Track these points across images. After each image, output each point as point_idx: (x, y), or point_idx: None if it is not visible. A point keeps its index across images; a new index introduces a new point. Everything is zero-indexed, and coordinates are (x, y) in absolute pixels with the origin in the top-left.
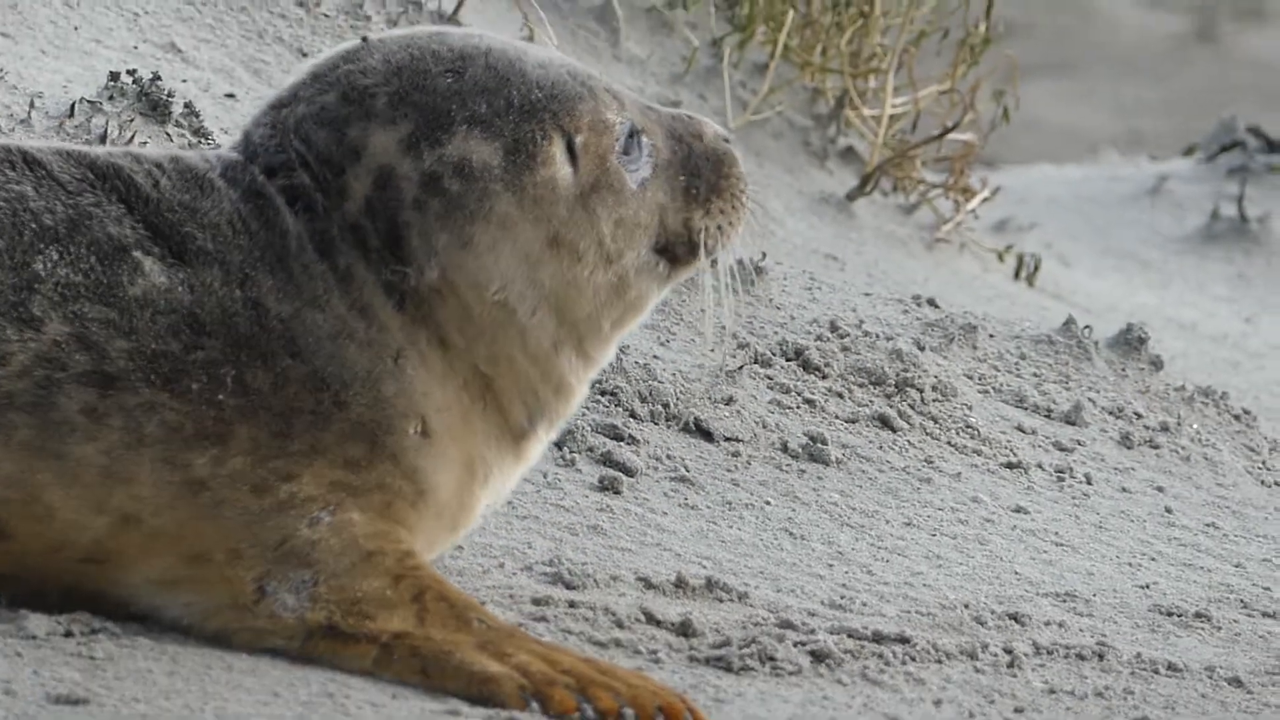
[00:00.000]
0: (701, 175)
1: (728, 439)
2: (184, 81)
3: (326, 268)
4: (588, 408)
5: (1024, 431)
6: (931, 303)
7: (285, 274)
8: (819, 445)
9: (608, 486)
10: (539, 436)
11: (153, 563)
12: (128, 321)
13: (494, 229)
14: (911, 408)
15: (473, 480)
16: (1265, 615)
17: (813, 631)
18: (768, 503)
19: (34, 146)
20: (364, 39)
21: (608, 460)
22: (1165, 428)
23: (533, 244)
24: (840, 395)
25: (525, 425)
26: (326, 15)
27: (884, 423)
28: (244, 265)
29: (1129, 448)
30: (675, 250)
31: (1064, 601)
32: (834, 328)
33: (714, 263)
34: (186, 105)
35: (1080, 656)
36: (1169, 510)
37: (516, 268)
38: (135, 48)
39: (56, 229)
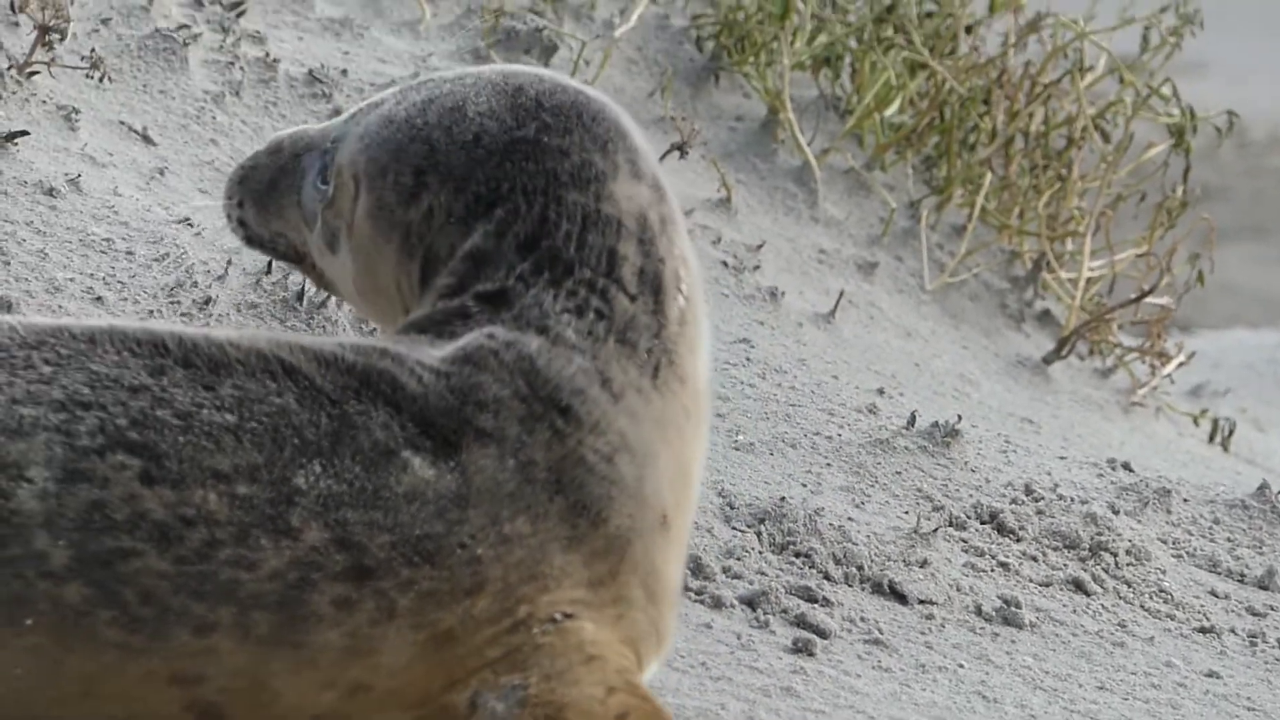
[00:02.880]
0: None
1: (921, 601)
2: None
3: (608, 395)
4: (781, 569)
5: (1217, 596)
6: (1126, 466)
7: (568, 417)
8: (1013, 608)
9: (801, 648)
10: None
11: (373, 718)
12: (391, 519)
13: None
14: (1105, 571)
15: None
16: None
17: None
18: (961, 665)
19: (285, 346)
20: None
21: (801, 622)
22: None
23: None
24: (1034, 559)
25: None
26: None
27: (1078, 586)
28: (522, 433)
29: None
30: None
31: None
32: (1029, 491)
33: None
34: None
35: None
36: None
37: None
38: None
39: (320, 442)
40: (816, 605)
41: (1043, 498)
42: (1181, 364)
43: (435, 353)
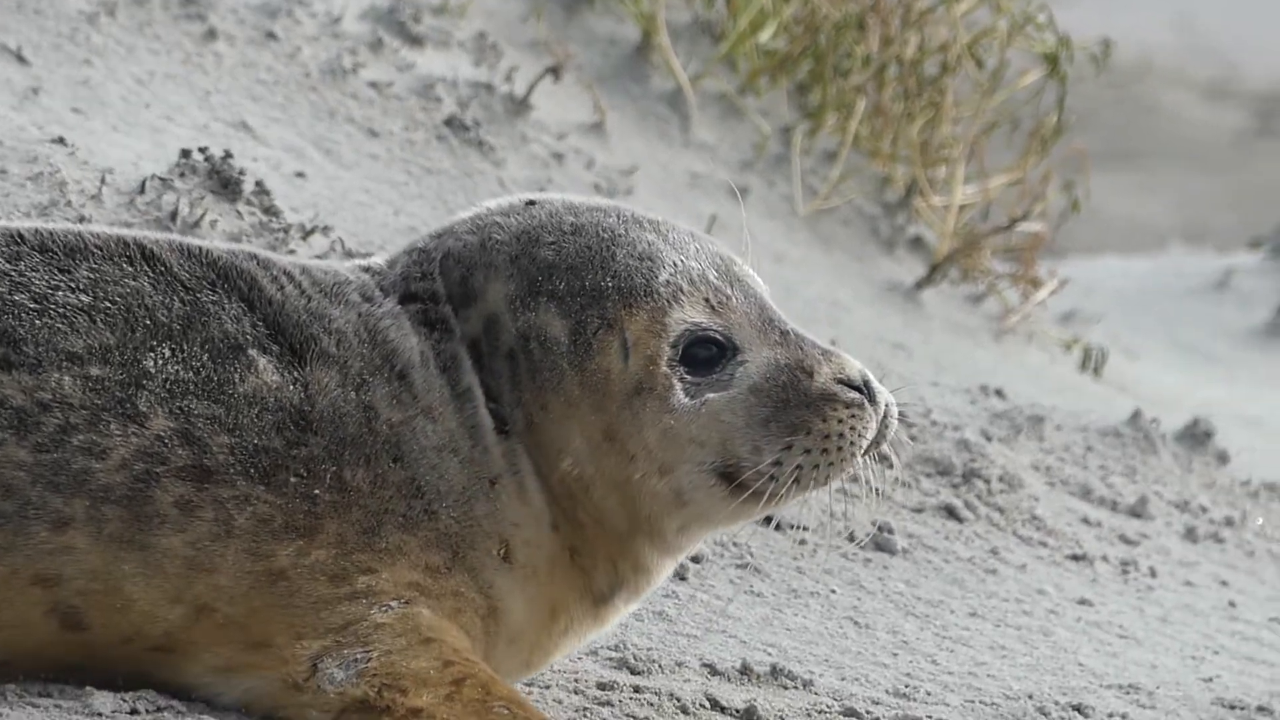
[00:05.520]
0: (789, 409)
1: (794, 527)
2: (254, 160)
3: (446, 383)
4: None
5: (1089, 524)
6: (999, 393)
7: (404, 384)
8: (885, 534)
9: (674, 572)
10: (618, 607)
11: (218, 651)
12: (233, 418)
13: (563, 404)
14: (978, 498)
15: (553, 624)
16: None
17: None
18: (833, 591)
19: (153, 239)
20: (531, 201)
21: None
22: (1230, 522)
23: (593, 430)
24: (907, 485)
25: (606, 592)
26: (398, 97)
27: (950, 513)
28: (364, 371)
29: (1194, 541)
30: (744, 479)
31: (1127, 694)
32: (901, 417)
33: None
34: (257, 183)
35: None
36: (1233, 604)
37: (583, 449)
38: (206, 125)
39: (171, 326)
40: None
41: (915, 424)
42: (1053, 291)
43: (310, 276)
